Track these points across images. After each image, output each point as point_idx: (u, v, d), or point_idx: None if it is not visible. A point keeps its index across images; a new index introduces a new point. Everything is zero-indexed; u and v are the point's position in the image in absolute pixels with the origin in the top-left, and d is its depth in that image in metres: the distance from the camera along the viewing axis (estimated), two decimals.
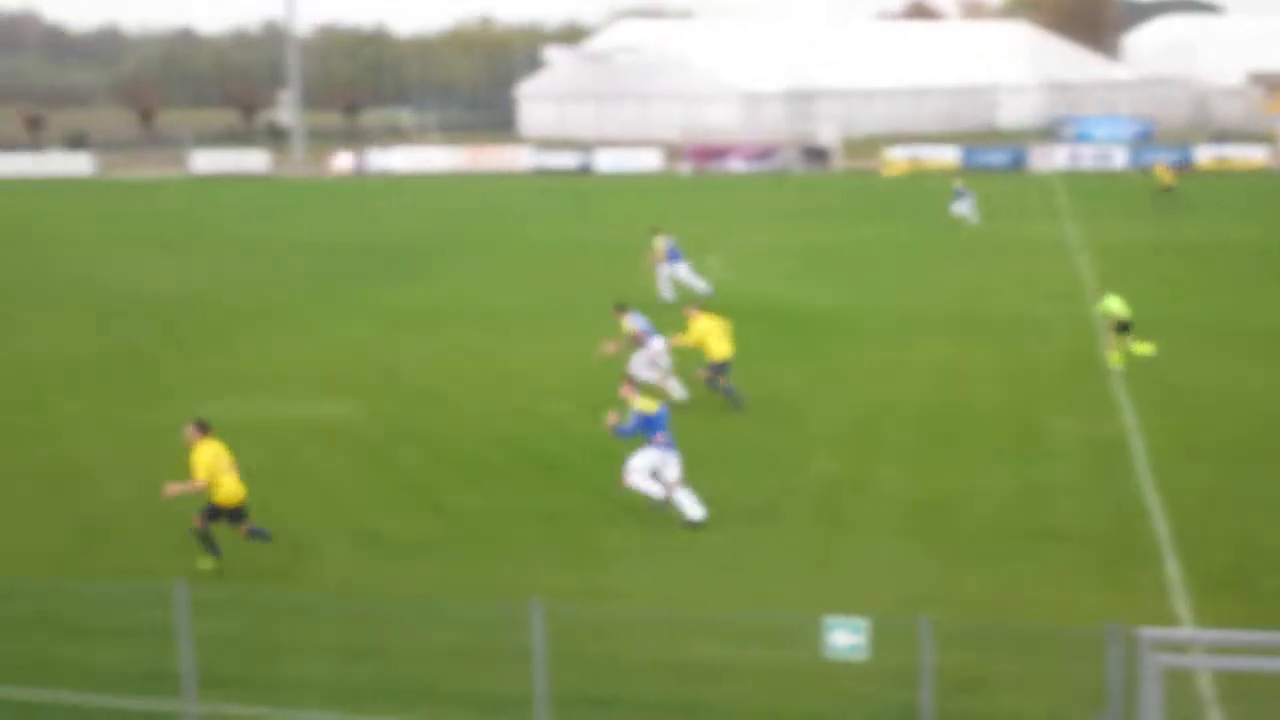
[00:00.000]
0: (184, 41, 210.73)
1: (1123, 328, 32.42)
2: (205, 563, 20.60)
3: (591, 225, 62.86)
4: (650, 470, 22.46)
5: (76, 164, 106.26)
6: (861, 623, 14.60)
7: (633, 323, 30.40)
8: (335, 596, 19.36)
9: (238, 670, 17.08)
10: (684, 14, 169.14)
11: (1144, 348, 33.06)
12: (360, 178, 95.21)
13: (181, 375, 33.86)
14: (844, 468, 25.40)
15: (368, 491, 24.50)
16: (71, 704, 16.35)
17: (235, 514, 20.63)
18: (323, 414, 29.95)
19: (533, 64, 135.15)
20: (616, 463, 23.26)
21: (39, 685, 16.69)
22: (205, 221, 68.77)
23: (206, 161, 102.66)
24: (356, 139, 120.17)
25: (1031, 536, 21.45)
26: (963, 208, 59.56)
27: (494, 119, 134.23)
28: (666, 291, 41.68)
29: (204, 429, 20.60)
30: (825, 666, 15.25)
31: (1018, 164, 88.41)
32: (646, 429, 22.49)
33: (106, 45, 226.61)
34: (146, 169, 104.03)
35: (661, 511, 22.61)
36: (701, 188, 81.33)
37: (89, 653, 17.82)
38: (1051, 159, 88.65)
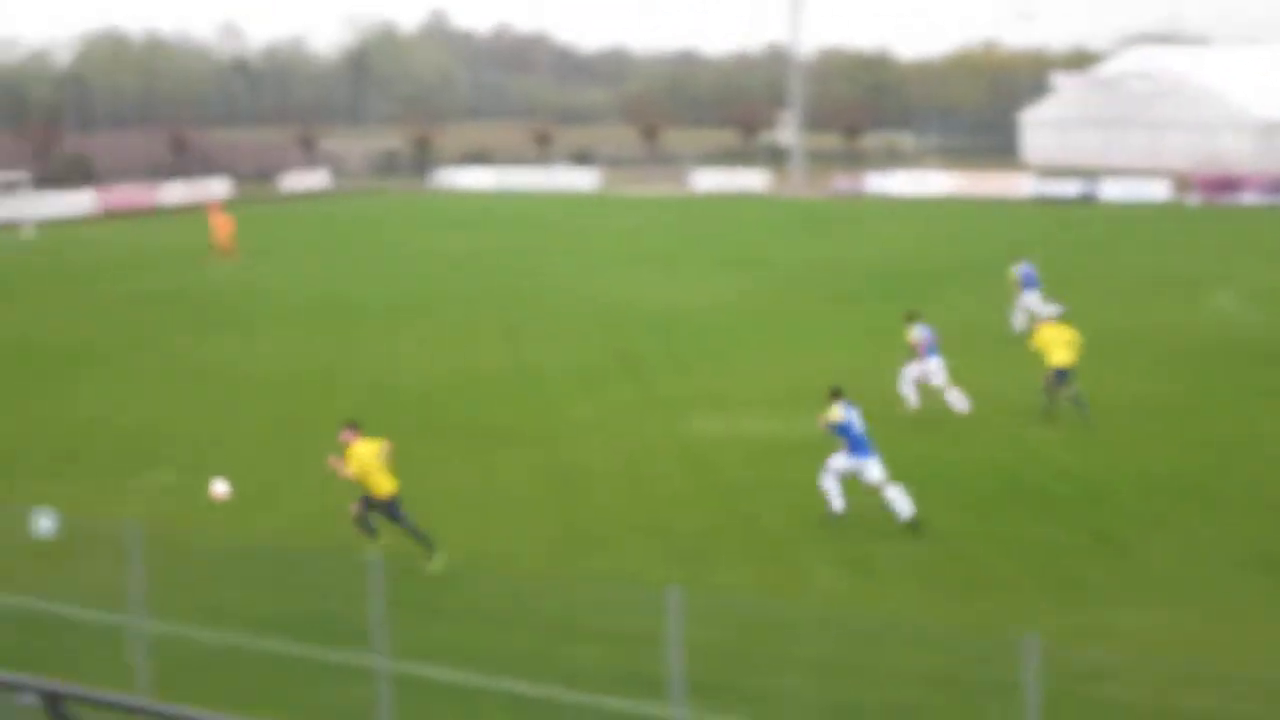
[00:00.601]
0: (688, 63, 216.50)
1: None
2: (370, 548, 21.27)
3: (1097, 255, 61.39)
4: (840, 475, 23.49)
5: (582, 179, 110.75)
6: None
7: (917, 334, 31.06)
8: (819, 612, 19.59)
9: (720, 678, 17.48)
10: (1199, 40, 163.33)
11: None
12: (858, 199, 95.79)
13: (676, 387, 34.85)
14: None
15: (855, 511, 24.65)
16: (565, 701, 17.04)
17: (388, 508, 22.06)
18: (814, 432, 30.27)
19: (1038, 89, 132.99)
20: (1107, 495, 22.74)
21: (534, 680, 17.49)
22: (706, 239, 70.51)
23: (707, 180, 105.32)
24: (855, 161, 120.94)
25: None
26: None
27: (995, 144, 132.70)
28: (1019, 322, 40.76)
29: (356, 430, 22.31)
30: None
31: None
32: (841, 434, 23.47)
33: (613, 66, 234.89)
34: (648, 186, 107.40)
35: (833, 519, 23.42)
36: (1211, 220, 78.27)
37: (577, 651, 18.58)
38: None
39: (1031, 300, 40.85)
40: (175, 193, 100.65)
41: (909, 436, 29.35)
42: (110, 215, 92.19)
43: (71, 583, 20.83)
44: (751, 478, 26.69)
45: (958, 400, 31.06)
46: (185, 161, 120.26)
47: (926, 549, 22.61)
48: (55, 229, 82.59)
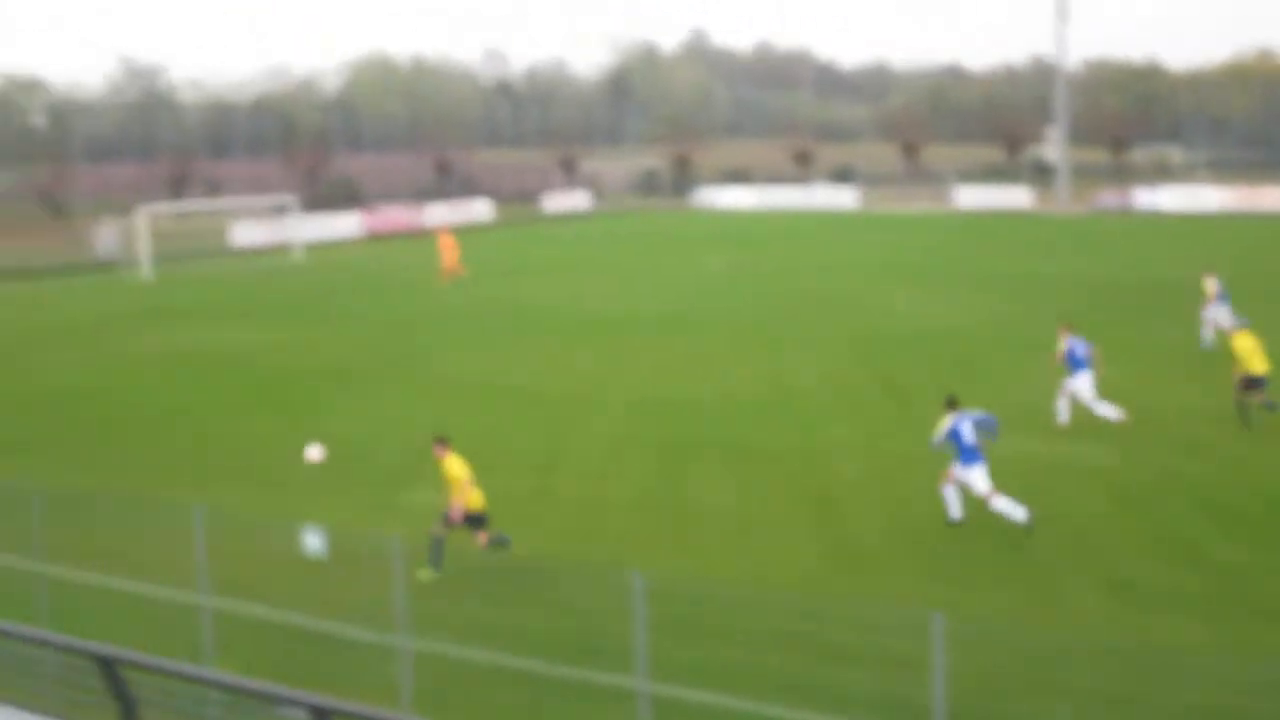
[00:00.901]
0: (951, 77, 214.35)
1: None
2: (424, 574, 21.04)
3: None
4: (958, 484, 24.38)
5: (841, 197, 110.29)
6: None
7: (1067, 345, 31.66)
8: (1084, 641, 19.11)
9: (984, 707, 17.13)
10: None
11: None
12: (1125, 215, 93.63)
13: (935, 406, 34.33)
14: None
15: (1121, 537, 24.02)
16: None
17: (477, 520, 22.63)
18: (1073, 454, 29.65)
19: None
20: None
21: (794, 704, 17.36)
22: (966, 258, 69.66)
23: (970, 197, 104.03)
24: (1122, 176, 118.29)
25: None
26: None
27: (1270, 157, 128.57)
28: (1209, 337, 40.12)
29: (445, 445, 22.86)
30: None
31: None
32: (953, 442, 24.25)
33: (875, 82, 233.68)
34: (909, 204, 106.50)
35: (954, 525, 24.34)
36: None
37: (836, 675, 18.39)
38: None
39: (1220, 314, 40.33)
40: (438, 214, 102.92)
41: (1176, 455, 28.56)
42: (375, 237, 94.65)
43: (338, 598, 21.33)
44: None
45: (1111, 413, 31.35)
46: (449, 183, 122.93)
47: (1194, 575, 21.93)
48: (323, 251, 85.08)
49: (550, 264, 71.91)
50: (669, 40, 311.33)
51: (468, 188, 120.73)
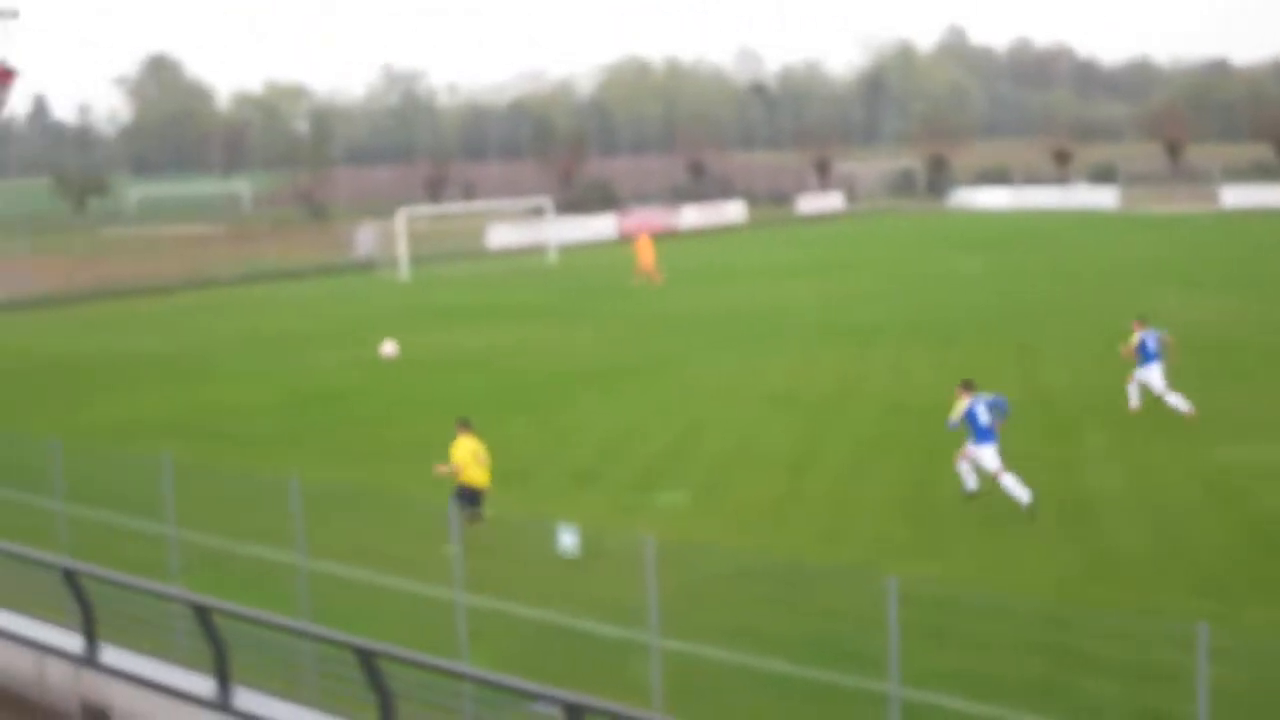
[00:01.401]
0: (1217, 72, 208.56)
1: None
2: (447, 550, 20.73)
3: None
4: (971, 461, 26.26)
5: (1102, 198, 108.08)
6: None
7: (1139, 337, 32.91)
8: None
9: None
10: None
11: None
12: None
13: (1203, 412, 33.46)
14: None
15: None
16: None
17: (473, 496, 25.37)
18: None
19: None
20: None
21: (1045, 713, 17.10)
22: (1235, 259, 67.78)
23: (1237, 196, 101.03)
24: None
25: None
26: None
27: None
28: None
29: (466, 426, 25.94)
30: None
31: None
32: (969, 422, 26.09)
33: (1136, 78, 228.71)
34: (1173, 204, 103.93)
35: (969, 497, 26.22)
36: None
37: (1091, 685, 18.06)
38: None
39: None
40: (691, 216, 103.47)
41: None
42: (629, 238, 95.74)
43: (590, 596, 21.63)
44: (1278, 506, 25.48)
45: (1180, 403, 32.42)
46: (703, 185, 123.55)
47: None
48: (577, 252, 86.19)
49: (803, 266, 71.81)
50: (925, 38, 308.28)
51: (723, 189, 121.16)
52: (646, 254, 67.63)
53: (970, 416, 26.13)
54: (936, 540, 24.60)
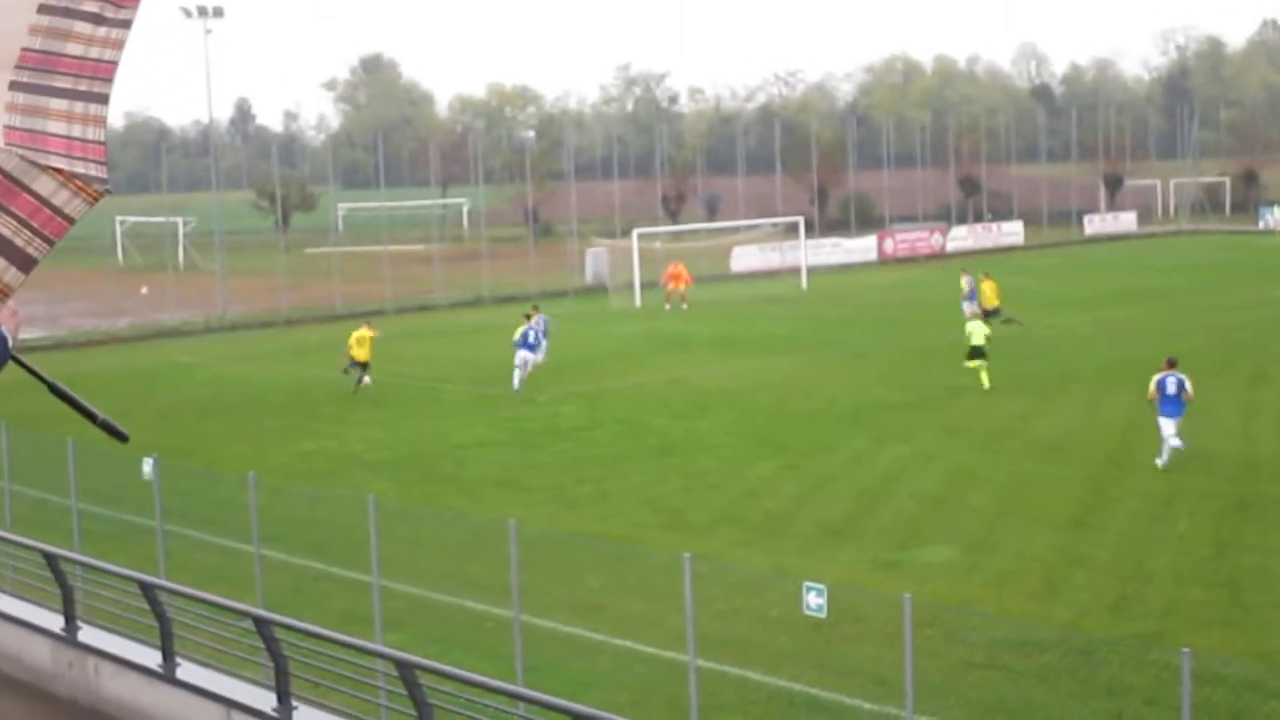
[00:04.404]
0: None
1: None
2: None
3: None
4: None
5: None
6: None
7: (1155, 385, 34.47)
8: None
9: None
10: None
11: None
12: None
13: None
14: None
15: None
16: None
17: (362, 366, 48.06)
18: None
19: None
20: None
21: None
22: None
23: None
24: None
25: None
26: None
27: None
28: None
29: (371, 327, 45.82)
30: None
31: None
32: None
33: None
34: None
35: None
36: None
37: None
38: None
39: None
40: (961, 238, 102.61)
41: None
42: (890, 261, 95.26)
43: (836, 662, 21.58)
44: None
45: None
46: (976, 202, 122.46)
47: None
48: (833, 276, 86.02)
49: (1087, 295, 70.71)
50: (1235, 34, 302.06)
51: (1000, 207, 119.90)
52: (674, 281, 73.70)
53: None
54: (1241, 609, 24.04)
